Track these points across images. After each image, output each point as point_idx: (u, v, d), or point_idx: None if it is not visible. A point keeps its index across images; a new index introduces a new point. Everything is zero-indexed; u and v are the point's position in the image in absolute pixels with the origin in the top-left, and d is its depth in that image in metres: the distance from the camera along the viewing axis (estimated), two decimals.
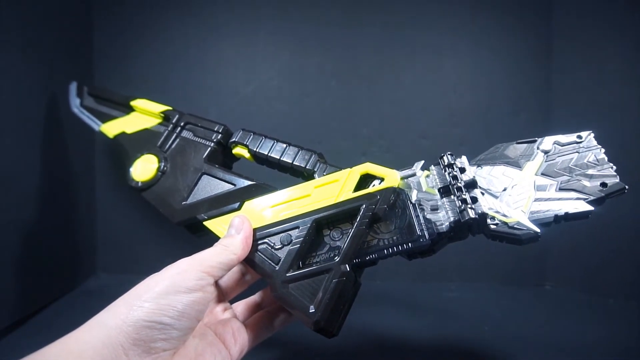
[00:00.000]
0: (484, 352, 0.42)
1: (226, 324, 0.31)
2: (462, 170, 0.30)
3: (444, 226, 0.29)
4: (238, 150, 0.39)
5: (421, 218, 0.30)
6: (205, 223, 0.35)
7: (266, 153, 0.37)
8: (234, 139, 0.39)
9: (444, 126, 0.62)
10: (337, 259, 0.29)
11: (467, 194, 0.29)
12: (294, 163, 0.36)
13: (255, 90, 0.62)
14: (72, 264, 0.57)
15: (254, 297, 0.36)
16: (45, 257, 0.50)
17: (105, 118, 0.45)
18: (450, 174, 0.30)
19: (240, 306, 0.35)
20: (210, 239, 0.32)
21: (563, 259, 0.60)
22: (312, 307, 0.28)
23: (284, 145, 0.37)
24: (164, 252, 0.61)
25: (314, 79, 0.63)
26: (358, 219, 0.30)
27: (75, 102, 0.47)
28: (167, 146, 0.40)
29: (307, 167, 0.35)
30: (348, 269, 0.29)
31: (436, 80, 0.63)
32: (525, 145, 0.32)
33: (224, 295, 0.35)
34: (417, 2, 0.62)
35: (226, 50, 0.62)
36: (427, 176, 0.32)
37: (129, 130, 0.43)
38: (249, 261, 0.31)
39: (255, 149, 0.38)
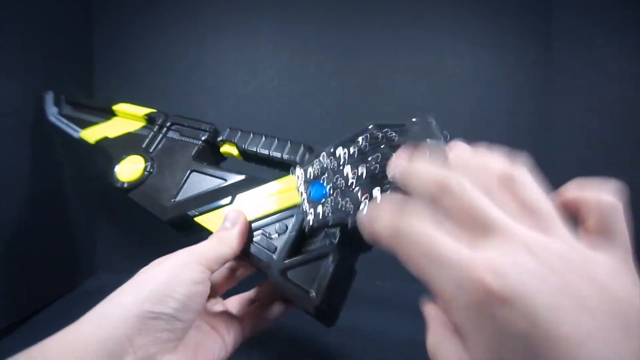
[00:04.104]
0: None
1: (218, 316, 0.31)
2: None
3: None
4: (226, 149, 0.39)
5: None
6: (196, 219, 0.34)
7: (255, 149, 0.37)
8: (221, 137, 0.38)
9: (444, 126, 0.62)
10: (334, 242, 0.30)
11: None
12: (283, 156, 0.36)
13: (255, 90, 0.62)
14: (72, 264, 0.57)
15: (249, 293, 0.36)
16: (45, 257, 0.50)
17: (85, 125, 0.44)
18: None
19: (234, 300, 0.35)
20: (201, 237, 0.32)
21: None
22: (312, 292, 0.28)
23: (273, 140, 0.37)
24: (164, 252, 0.61)
25: (314, 79, 0.62)
26: None
27: (52, 111, 0.46)
28: (153, 147, 0.39)
29: (297, 160, 0.35)
30: (346, 254, 0.29)
31: (436, 80, 0.63)
32: None
33: (214, 291, 0.35)
34: (417, 2, 0.62)
35: (226, 50, 0.62)
36: None
37: (112, 135, 0.42)
38: (245, 253, 0.31)
39: (244, 146, 0.37)
